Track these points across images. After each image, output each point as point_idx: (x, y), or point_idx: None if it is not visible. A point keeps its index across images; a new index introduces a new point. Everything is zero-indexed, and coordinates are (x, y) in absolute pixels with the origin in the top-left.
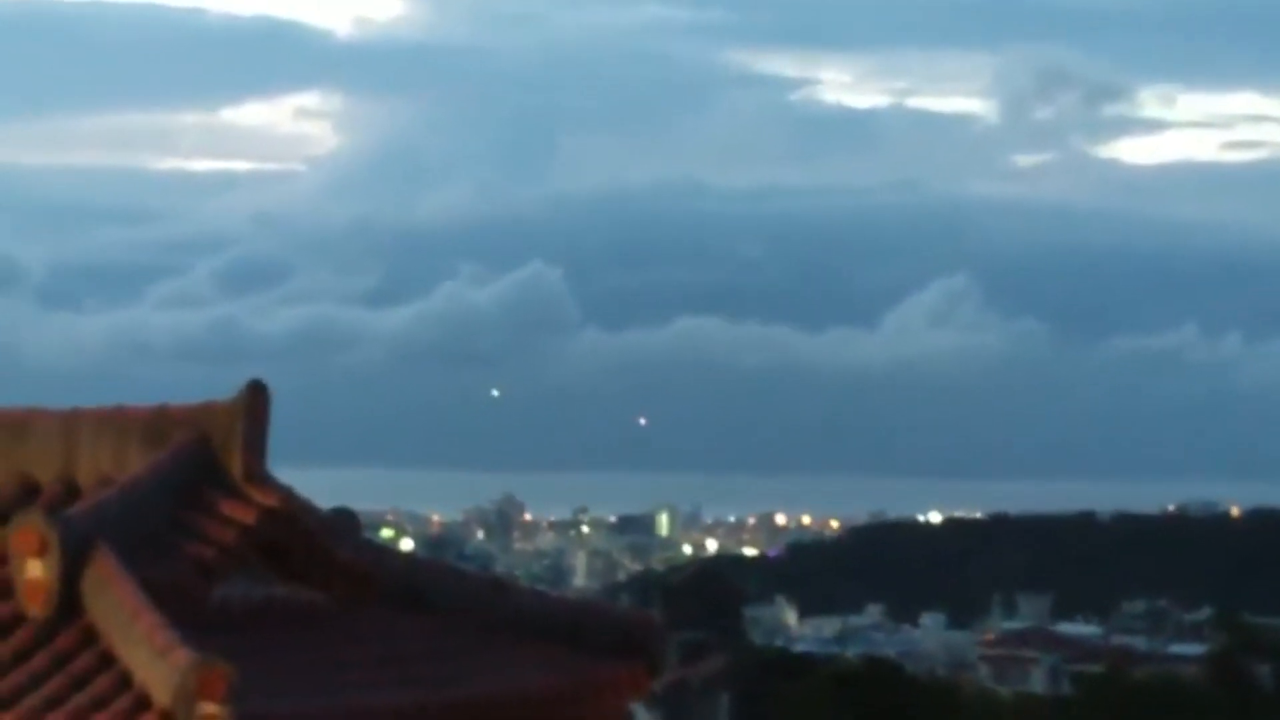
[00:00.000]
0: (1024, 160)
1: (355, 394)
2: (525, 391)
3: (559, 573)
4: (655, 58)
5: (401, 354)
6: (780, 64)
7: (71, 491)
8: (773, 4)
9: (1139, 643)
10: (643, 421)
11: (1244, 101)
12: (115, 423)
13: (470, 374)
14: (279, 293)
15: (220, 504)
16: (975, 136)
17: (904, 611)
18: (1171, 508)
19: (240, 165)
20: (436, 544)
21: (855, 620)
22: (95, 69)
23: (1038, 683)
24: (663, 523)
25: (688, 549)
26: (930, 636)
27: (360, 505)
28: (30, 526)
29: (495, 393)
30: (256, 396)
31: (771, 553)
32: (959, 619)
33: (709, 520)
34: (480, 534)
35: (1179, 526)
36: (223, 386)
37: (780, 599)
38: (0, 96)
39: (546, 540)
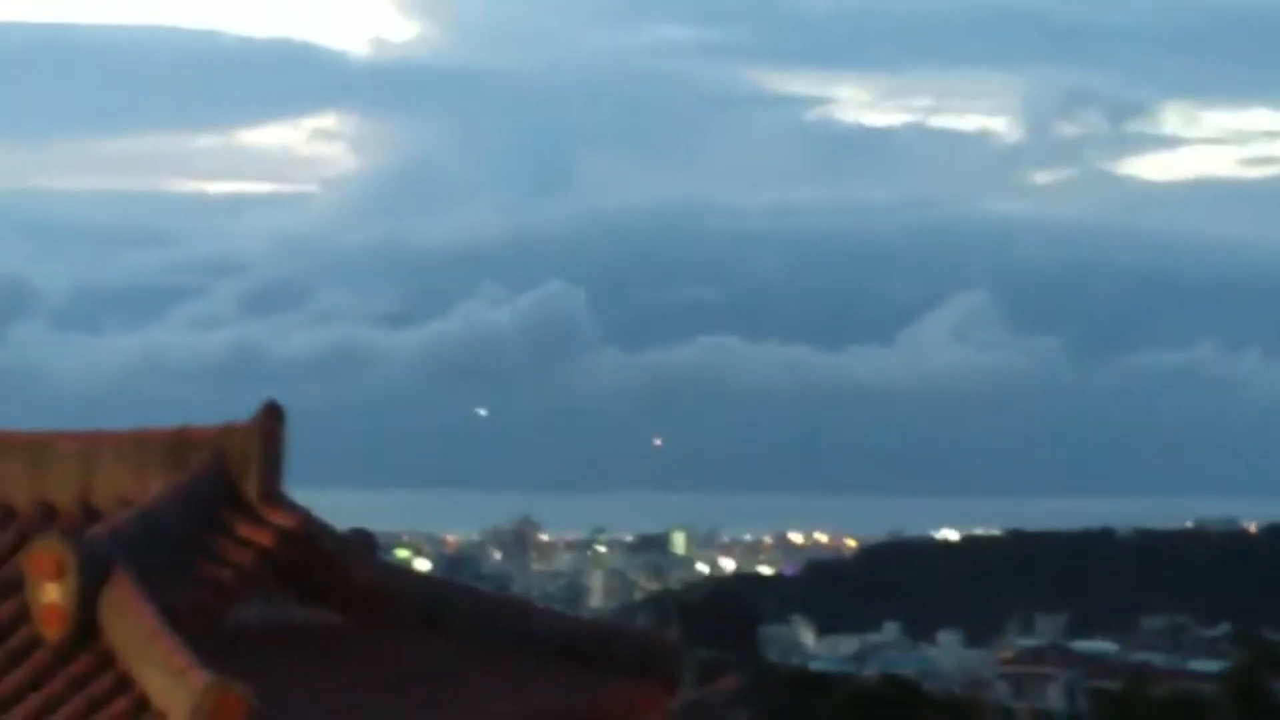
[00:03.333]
0: (1042, 178)
1: (373, 414)
2: (543, 411)
3: (575, 593)
4: (673, 77)
5: (420, 374)
6: (798, 83)
7: (90, 514)
8: (790, 24)
9: (1157, 659)
10: (658, 442)
11: (1261, 118)
12: (134, 445)
13: (489, 394)
14: (299, 314)
15: (237, 526)
16: (993, 154)
17: (921, 630)
18: (1189, 524)
19: (258, 187)
20: (453, 565)
21: (872, 639)
22: (112, 92)
23: (1055, 700)
24: (679, 542)
25: (704, 568)
26: (948, 655)
27: (377, 526)
28: (48, 549)
29: (482, 412)
30: (272, 418)
31: (788, 571)
32: (976, 637)
33: (725, 539)
34: (497, 554)
35: (1197, 543)
36: (243, 408)
37: (797, 618)
38: (19, 120)
39: (563, 560)
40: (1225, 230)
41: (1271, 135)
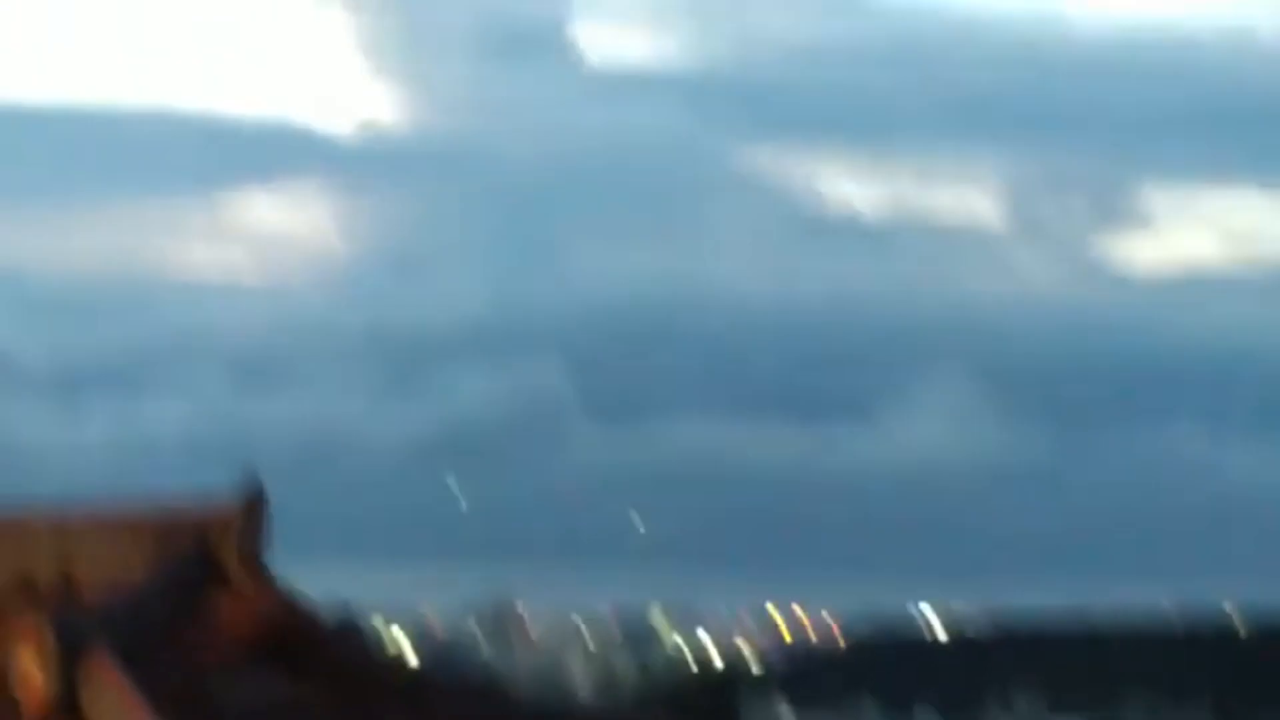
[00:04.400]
0: (1025, 258)
1: (356, 491)
2: (526, 488)
3: (556, 670)
4: (659, 156)
5: (404, 451)
6: (785, 163)
7: (69, 590)
8: (777, 104)
9: None
10: (637, 519)
11: (1245, 202)
12: (115, 520)
13: (472, 471)
14: (283, 391)
15: (220, 602)
16: (978, 235)
17: (900, 710)
18: (1170, 608)
19: (244, 264)
20: (434, 642)
21: (851, 716)
22: (101, 166)
23: None
24: (659, 620)
25: (684, 646)
26: None
27: (359, 602)
28: (27, 627)
29: (455, 489)
30: (256, 495)
31: (768, 649)
32: (955, 719)
33: (706, 617)
34: (478, 631)
35: (1177, 626)
36: (226, 485)
37: (777, 697)
38: (5, 190)
39: (543, 637)
40: (1209, 315)
41: (1256, 219)
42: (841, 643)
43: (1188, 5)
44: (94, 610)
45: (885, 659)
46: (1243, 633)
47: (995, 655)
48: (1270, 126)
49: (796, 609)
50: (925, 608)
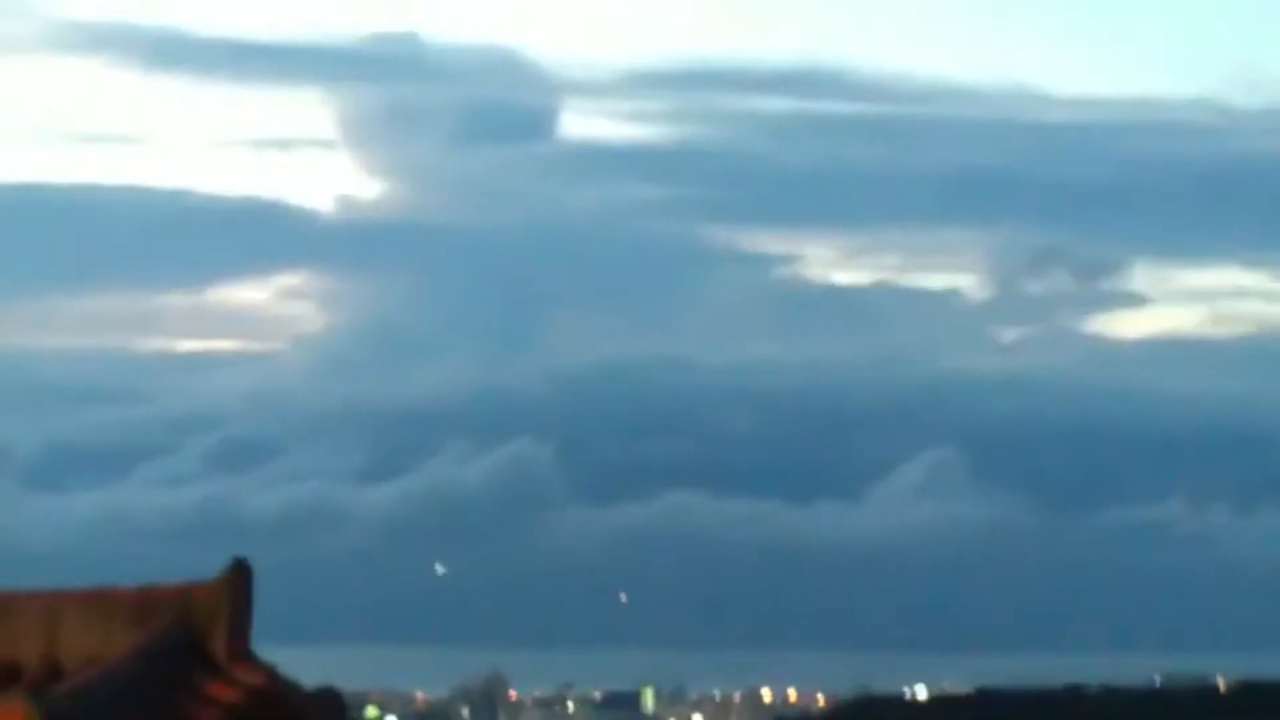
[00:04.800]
0: (1010, 335)
1: (342, 571)
2: (512, 567)
3: None
4: (640, 234)
5: (389, 531)
6: (766, 241)
7: (55, 672)
8: (757, 182)
9: None
10: (623, 598)
11: (1227, 276)
12: (100, 603)
13: (458, 550)
14: (267, 471)
15: (205, 684)
16: (961, 312)
17: None
18: (1158, 681)
19: (227, 345)
20: (418, 716)
21: None
22: (82, 251)
23: None
24: (648, 699)
25: None
26: None
27: (345, 683)
28: (13, 707)
29: (440, 569)
30: (240, 575)
31: None
32: None
33: (694, 696)
34: (466, 711)
35: (1166, 699)
36: (211, 565)
37: None
38: None
39: (532, 717)
40: (1192, 387)
41: (1238, 293)
42: (828, 712)
43: (1157, 74)
44: (79, 690)
45: None
46: (1232, 706)
47: None
48: (1247, 199)
49: (786, 688)
50: (915, 684)
